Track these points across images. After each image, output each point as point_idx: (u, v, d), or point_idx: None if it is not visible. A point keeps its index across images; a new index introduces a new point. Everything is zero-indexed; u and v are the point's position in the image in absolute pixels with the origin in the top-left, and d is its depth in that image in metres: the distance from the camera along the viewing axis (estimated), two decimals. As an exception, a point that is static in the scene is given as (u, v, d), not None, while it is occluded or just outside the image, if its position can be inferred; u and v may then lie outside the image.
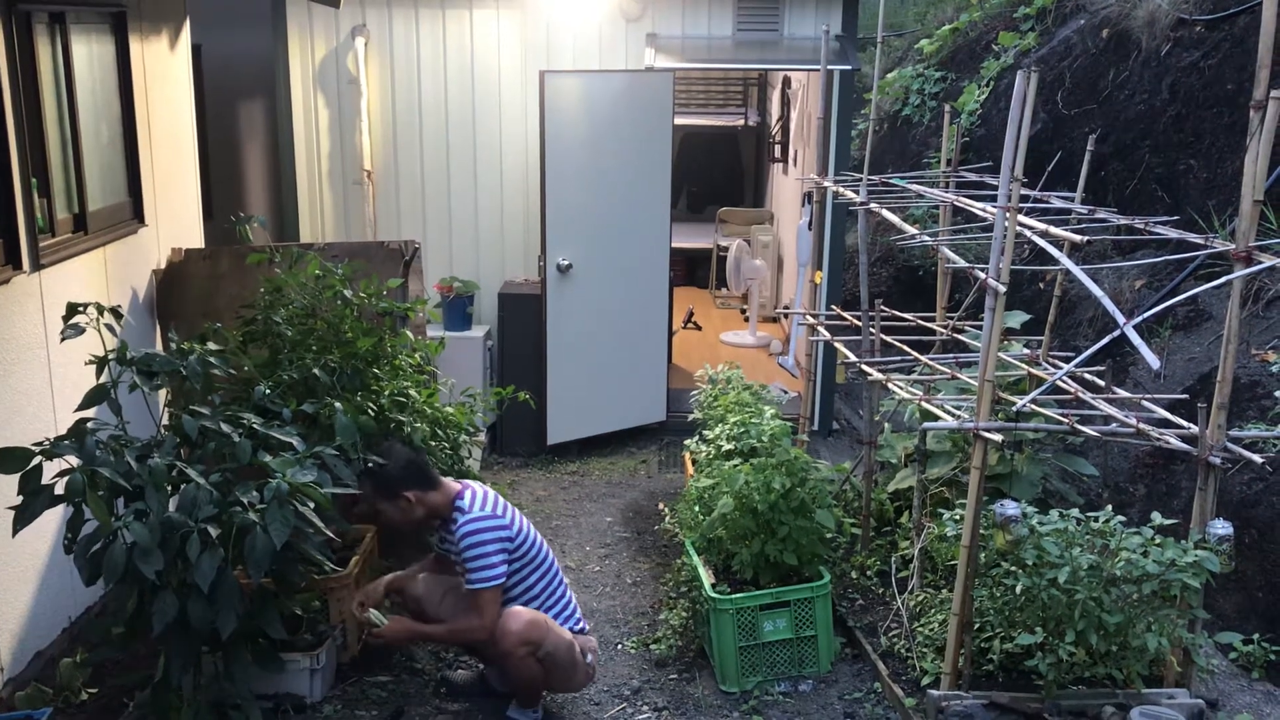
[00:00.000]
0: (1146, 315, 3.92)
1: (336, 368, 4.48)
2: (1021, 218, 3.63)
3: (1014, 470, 4.65)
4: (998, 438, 3.69)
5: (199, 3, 6.14)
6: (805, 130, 8.21)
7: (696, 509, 4.61)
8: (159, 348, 5.33)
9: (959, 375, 4.62)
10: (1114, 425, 3.77)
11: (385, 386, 4.62)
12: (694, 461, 5.23)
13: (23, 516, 3.24)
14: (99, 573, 3.21)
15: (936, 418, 4.14)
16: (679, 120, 7.80)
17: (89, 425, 3.42)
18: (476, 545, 3.77)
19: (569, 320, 6.72)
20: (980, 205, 4.08)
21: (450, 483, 3.90)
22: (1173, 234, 3.96)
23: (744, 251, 9.27)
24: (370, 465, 3.90)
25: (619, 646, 4.59)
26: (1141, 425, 3.66)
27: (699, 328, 9.42)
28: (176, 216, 5.68)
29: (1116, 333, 3.18)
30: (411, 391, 4.69)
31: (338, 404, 4.12)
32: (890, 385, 4.53)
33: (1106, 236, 5.71)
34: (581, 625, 4.06)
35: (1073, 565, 3.57)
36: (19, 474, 3.25)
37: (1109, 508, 3.87)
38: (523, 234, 7.17)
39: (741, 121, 11.63)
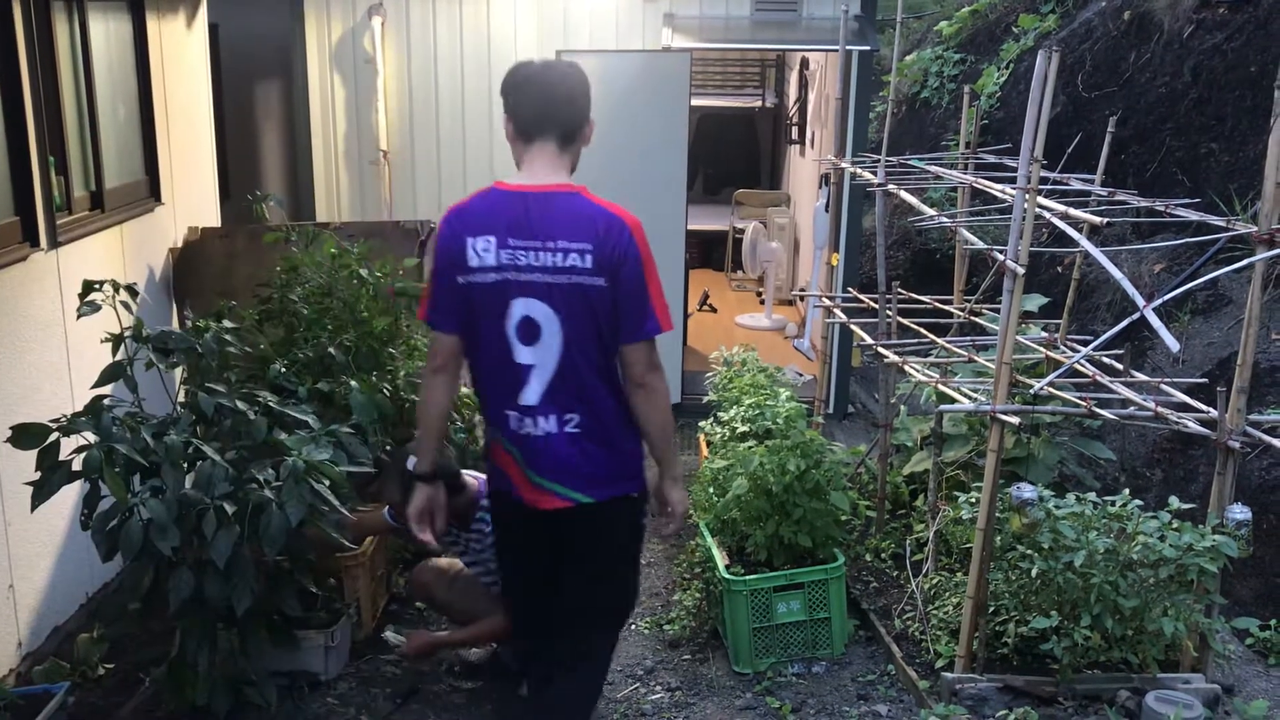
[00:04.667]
0: (1166, 298, 3.89)
1: (352, 347, 4.48)
2: (1041, 199, 3.60)
3: (1030, 454, 4.63)
4: (1014, 421, 3.67)
5: (216, -19, 6.13)
6: (823, 112, 8.16)
7: (711, 490, 4.61)
8: (175, 326, 5.35)
9: (976, 358, 4.60)
10: (1132, 409, 3.75)
11: (401, 366, 4.63)
12: (708, 443, 5.22)
13: (41, 492, 3.26)
14: (116, 549, 3.23)
15: (953, 400, 4.12)
16: (696, 101, 7.75)
17: (105, 402, 3.43)
18: None
19: (584, 302, 6.69)
20: (999, 187, 4.05)
21: (469, 482, 3.79)
22: (1193, 216, 3.93)
23: (760, 234, 9.24)
24: (398, 467, 3.77)
25: (633, 627, 4.60)
26: (1160, 409, 3.63)
27: (714, 310, 9.40)
28: (193, 195, 5.69)
29: (1136, 315, 3.16)
30: (426, 371, 4.69)
31: (353, 382, 4.12)
32: (906, 368, 4.51)
33: (1126, 219, 5.67)
34: None
35: (1089, 549, 3.55)
36: (37, 450, 3.27)
37: (1126, 492, 3.85)
38: (538, 215, 7.14)
39: (759, 103, 11.56)
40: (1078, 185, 4.63)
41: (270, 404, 3.70)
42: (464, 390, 4.84)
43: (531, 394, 2.80)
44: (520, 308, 2.77)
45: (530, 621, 3.12)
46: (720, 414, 5.17)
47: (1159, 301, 3.27)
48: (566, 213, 2.75)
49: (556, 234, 2.73)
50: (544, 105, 2.79)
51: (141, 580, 3.47)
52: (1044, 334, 4.78)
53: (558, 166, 2.81)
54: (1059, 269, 7.29)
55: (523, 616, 3.15)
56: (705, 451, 5.31)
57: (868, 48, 6.49)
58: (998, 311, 4.23)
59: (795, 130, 9.96)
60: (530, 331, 2.78)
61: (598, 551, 2.97)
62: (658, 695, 4.09)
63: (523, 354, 2.79)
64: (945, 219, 4.66)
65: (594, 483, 2.86)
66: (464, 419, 4.81)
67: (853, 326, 5.20)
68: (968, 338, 4.89)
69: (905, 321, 5.11)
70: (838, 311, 5.47)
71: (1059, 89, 7.64)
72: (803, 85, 9.64)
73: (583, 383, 2.80)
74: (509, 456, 2.89)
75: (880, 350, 4.73)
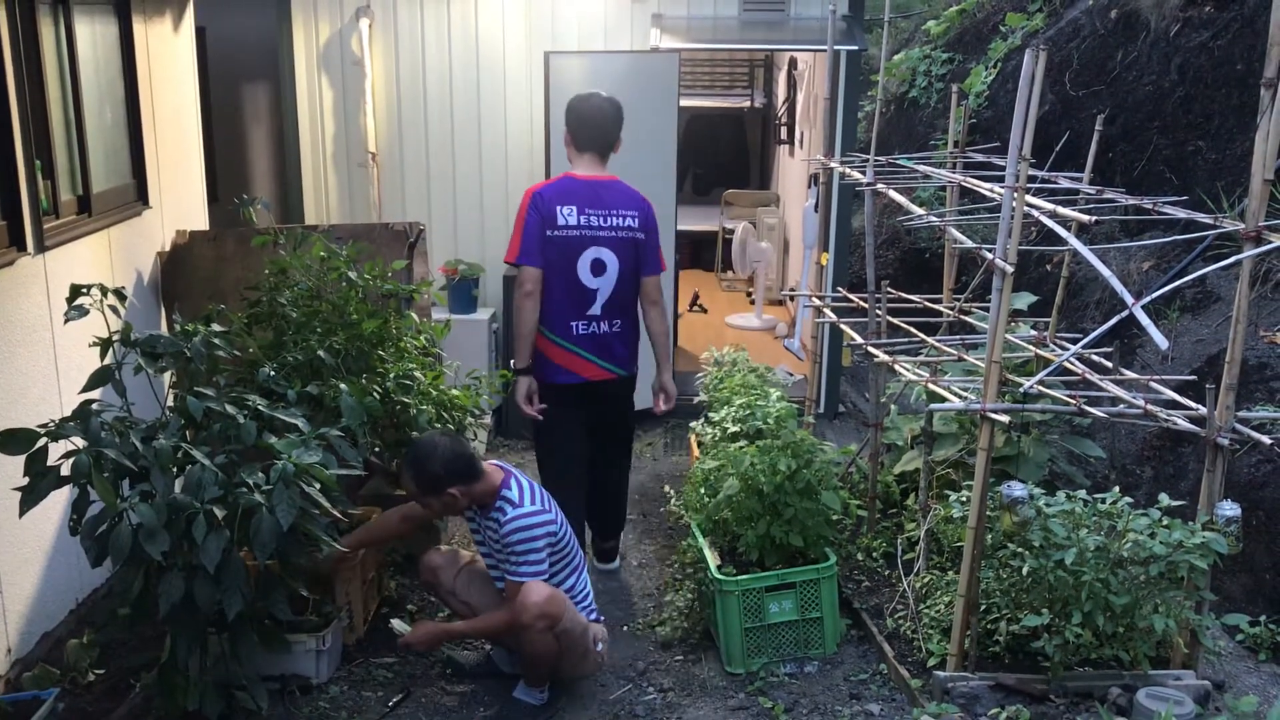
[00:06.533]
0: (1155, 296, 3.90)
1: (341, 349, 4.47)
2: (1029, 198, 3.61)
3: (1021, 452, 4.64)
4: (1005, 419, 3.67)
5: (202, -16, 6.10)
6: (811, 112, 8.17)
7: (702, 491, 4.60)
8: (163, 330, 5.33)
9: (966, 357, 4.60)
10: (1121, 406, 3.75)
11: (390, 368, 4.61)
12: (699, 444, 5.22)
13: (29, 498, 3.24)
14: (105, 554, 3.21)
15: (943, 399, 4.13)
16: (684, 102, 7.76)
17: (94, 407, 3.42)
18: (526, 540, 3.76)
19: (574, 303, 6.68)
20: (988, 186, 4.06)
21: (491, 469, 3.88)
22: (1181, 214, 3.94)
23: (750, 234, 9.25)
24: (412, 460, 3.84)
25: (625, 628, 4.60)
26: (1149, 406, 3.64)
27: (705, 310, 9.41)
28: (181, 199, 5.67)
29: (1125, 313, 3.17)
30: (417, 373, 4.68)
31: (343, 385, 4.11)
32: (896, 367, 4.51)
33: (1115, 217, 5.68)
34: (595, 615, 4.06)
35: (1079, 547, 3.56)
36: (25, 455, 3.25)
37: (1116, 489, 3.86)
38: (528, 216, 7.12)
39: (747, 103, 11.57)
40: (1066, 183, 4.64)
41: (259, 407, 3.69)
42: (454, 392, 4.85)
43: (597, 307, 4.52)
44: (592, 253, 4.47)
45: (575, 454, 4.73)
46: (711, 414, 5.18)
47: (1148, 299, 3.28)
48: (621, 193, 4.56)
49: (618, 206, 4.51)
50: (596, 132, 4.54)
51: (131, 585, 3.45)
52: (1033, 332, 4.79)
53: (601, 166, 4.59)
54: (1048, 267, 7.30)
55: (572, 453, 4.72)
56: (696, 452, 5.31)
57: (855, 47, 6.50)
58: (987, 310, 4.23)
59: (784, 130, 9.97)
60: (599, 268, 4.49)
61: (625, 403, 4.85)
62: (650, 696, 4.09)
63: (592, 282, 4.49)
64: (934, 218, 4.67)
65: (627, 363, 4.69)
66: (455, 420, 4.81)
67: (843, 326, 5.20)
68: (957, 336, 4.89)
69: (895, 321, 5.11)
70: (828, 311, 5.47)
71: (1046, 87, 7.66)
72: (791, 85, 9.64)
73: (626, 300, 4.60)
74: (571, 354, 4.52)
75: (870, 349, 4.73)
